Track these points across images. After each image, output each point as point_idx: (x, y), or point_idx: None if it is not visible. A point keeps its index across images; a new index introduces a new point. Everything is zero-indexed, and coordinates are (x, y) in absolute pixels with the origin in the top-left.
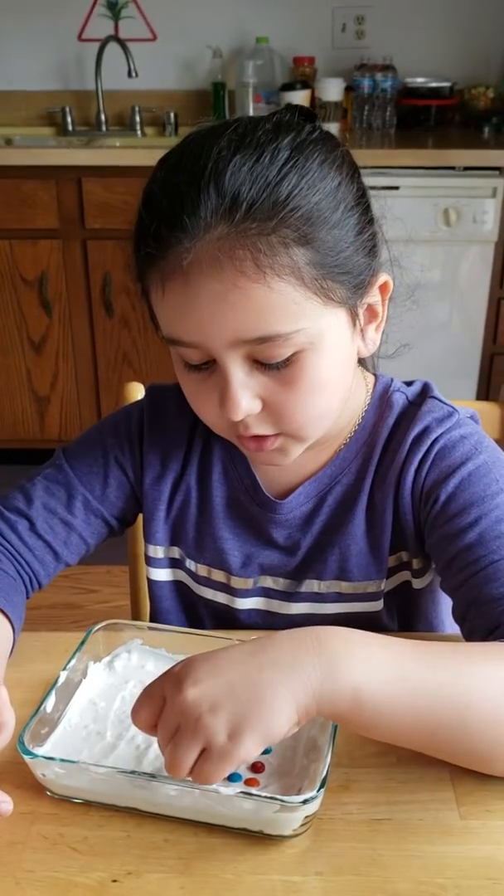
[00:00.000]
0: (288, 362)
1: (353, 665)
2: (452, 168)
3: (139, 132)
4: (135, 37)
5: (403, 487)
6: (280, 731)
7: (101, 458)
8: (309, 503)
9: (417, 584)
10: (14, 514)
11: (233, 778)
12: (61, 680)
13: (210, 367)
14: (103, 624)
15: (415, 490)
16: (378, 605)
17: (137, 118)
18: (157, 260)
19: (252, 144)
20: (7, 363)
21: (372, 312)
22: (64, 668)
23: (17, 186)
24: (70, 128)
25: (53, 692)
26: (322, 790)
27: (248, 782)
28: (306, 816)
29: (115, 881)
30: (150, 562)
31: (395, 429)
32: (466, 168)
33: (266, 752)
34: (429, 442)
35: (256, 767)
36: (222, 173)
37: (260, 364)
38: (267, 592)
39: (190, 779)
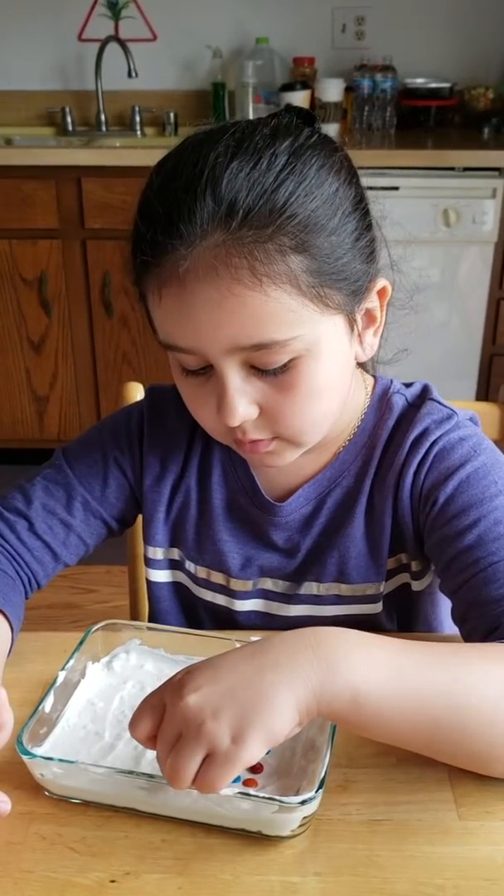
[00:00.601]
0: (285, 368)
1: (352, 665)
2: (452, 169)
3: (139, 132)
4: (135, 37)
5: (402, 489)
6: (283, 731)
7: (100, 459)
8: (308, 505)
9: (417, 586)
10: (13, 515)
11: None
12: (60, 680)
13: (207, 372)
14: (102, 624)
15: (414, 492)
16: (377, 608)
17: (137, 118)
18: (153, 267)
19: (249, 150)
20: (6, 363)
21: (370, 317)
22: (62, 669)
23: (17, 186)
24: (70, 128)
25: (52, 692)
26: (320, 791)
27: (247, 783)
28: (305, 817)
29: (113, 881)
30: (150, 563)
31: (394, 431)
32: (466, 169)
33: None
34: (428, 444)
35: (255, 768)
36: (219, 180)
37: (257, 370)
38: (266, 594)
39: (192, 788)
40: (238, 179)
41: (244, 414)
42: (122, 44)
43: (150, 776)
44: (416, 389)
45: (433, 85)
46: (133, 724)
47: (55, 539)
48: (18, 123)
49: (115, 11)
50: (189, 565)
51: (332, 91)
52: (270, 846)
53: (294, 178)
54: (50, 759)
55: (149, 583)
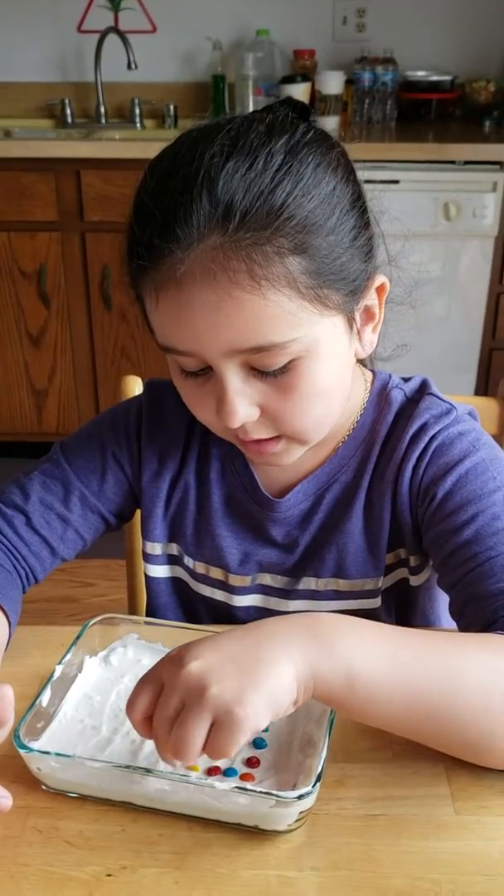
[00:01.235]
0: (285, 370)
1: (347, 644)
2: (453, 162)
3: (139, 124)
4: (135, 28)
5: (401, 485)
6: (284, 699)
7: (98, 453)
8: (307, 501)
9: (415, 581)
10: (11, 509)
11: (228, 773)
12: (57, 674)
13: (207, 373)
14: (99, 618)
15: (412, 487)
16: (376, 603)
17: (137, 110)
18: (149, 270)
19: (245, 149)
20: (5, 356)
21: (369, 314)
22: (59, 662)
23: (16, 178)
24: (69, 120)
25: (49, 686)
26: (317, 785)
27: (244, 777)
28: (301, 812)
29: (109, 875)
30: (148, 558)
31: (393, 426)
32: (467, 162)
33: (261, 746)
34: (426, 439)
35: (252, 762)
36: (215, 181)
37: (257, 371)
38: (265, 590)
39: (189, 771)
40: (234, 181)
41: (244, 416)
42: (122, 35)
43: (147, 770)
44: (414, 384)
45: (434, 78)
46: (130, 702)
47: (53, 534)
48: (17, 115)
49: (114, 3)
50: (188, 560)
51: (332, 84)
52: (267, 840)
53: (291, 177)
54: (47, 752)
55: (147, 578)
